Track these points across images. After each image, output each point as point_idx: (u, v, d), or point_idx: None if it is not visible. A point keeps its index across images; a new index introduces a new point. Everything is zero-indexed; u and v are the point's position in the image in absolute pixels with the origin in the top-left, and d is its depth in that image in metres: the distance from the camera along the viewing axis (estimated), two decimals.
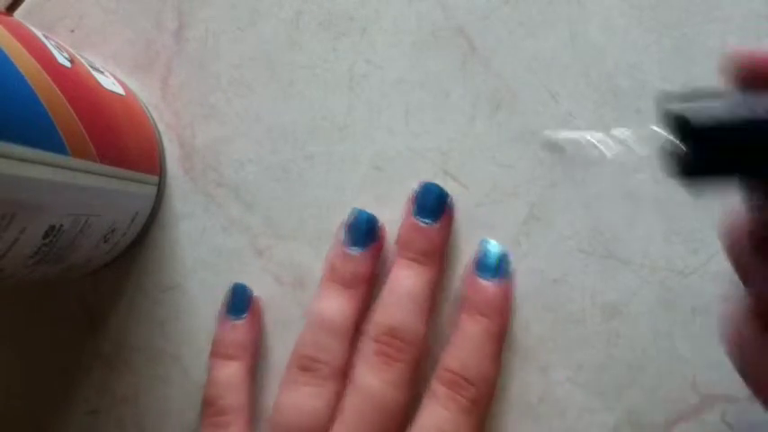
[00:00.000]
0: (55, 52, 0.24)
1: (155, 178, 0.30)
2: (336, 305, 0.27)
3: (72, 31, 0.32)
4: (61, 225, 0.24)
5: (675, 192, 0.29)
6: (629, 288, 0.28)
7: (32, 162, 0.21)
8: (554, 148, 0.16)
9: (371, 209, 0.29)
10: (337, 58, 0.31)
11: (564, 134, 0.17)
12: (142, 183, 0.29)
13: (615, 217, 0.29)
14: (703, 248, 0.28)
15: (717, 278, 0.28)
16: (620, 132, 0.16)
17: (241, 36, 0.32)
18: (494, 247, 0.29)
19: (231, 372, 0.29)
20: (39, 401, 0.32)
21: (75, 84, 0.25)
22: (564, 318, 0.28)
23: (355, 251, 0.28)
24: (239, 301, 0.30)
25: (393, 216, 0.29)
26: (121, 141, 0.27)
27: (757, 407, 0.24)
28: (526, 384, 0.28)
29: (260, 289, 0.31)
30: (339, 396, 0.26)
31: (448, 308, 0.29)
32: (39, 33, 0.25)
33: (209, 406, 0.28)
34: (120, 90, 0.29)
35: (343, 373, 0.27)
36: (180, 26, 0.32)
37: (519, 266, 0.29)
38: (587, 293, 0.29)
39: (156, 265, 0.32)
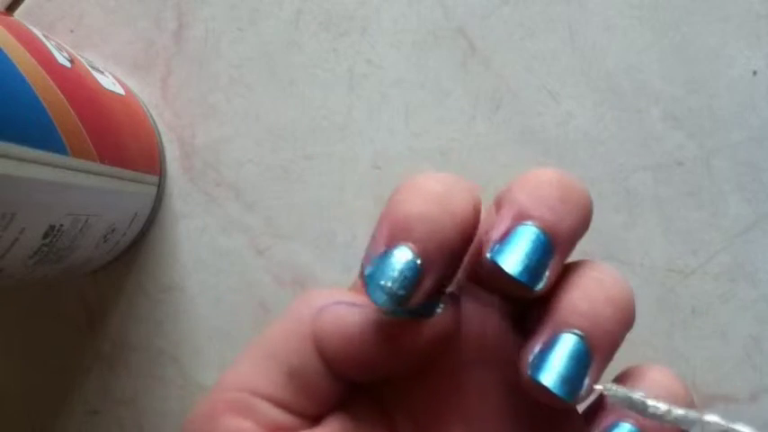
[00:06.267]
0: (55, 52, 0.24)
1: (154, 178, 0.30)
2: None
3: (72, 31, 0.32)
4: (61, 225, 0.24)
5: (675, 192, 0.29)
6: None
7: (32, 162, 0.21)
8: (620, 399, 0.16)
9: (371, 209, 0.29)
10: (337, 58, 0.31)
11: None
12: (142, 183, 0.29)
13: (615, 217, 0.29)
14: (703, 248, 0.28)
15: (717, 278, 0.28)
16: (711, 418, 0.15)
17: (241, 36, 0.32)
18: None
19: None
20: (39, 402, 0.32)
21: (75, 84, 0.25)
22: None
23: None
24: None
25: None
26: (121, 141, 0.27)
27: (757, 407, 0.24)
28: None
29: (260, 289, 0.31)
30: None
31: None
32: (39, 33, 0.25)
33: None
34: (120, 90, 0.29)
35: None
36: (180, 26, 0.32)
37: None
38: None
39: (156, 265, 0.32)
